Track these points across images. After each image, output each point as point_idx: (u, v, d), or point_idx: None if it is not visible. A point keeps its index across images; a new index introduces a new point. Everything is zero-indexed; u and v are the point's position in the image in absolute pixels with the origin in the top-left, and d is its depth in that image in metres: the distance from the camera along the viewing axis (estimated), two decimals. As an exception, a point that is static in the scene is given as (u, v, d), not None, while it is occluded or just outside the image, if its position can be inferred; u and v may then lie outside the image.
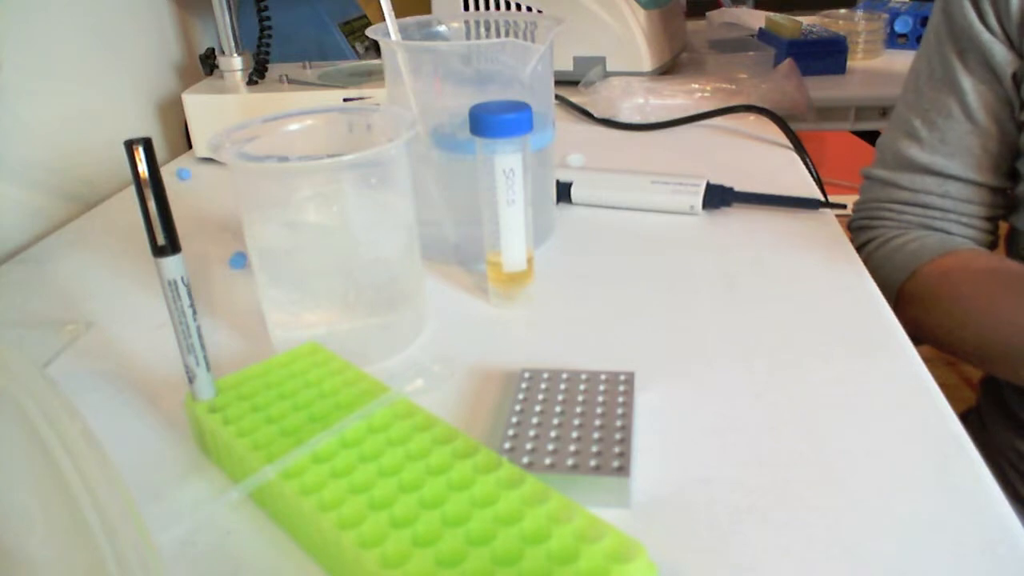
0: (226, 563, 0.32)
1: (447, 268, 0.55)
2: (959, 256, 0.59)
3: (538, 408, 0.37)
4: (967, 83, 0.60)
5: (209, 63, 0.88)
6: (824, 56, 1.15)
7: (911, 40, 1.31)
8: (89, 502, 0.25)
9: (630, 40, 0.99)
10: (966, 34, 0.59)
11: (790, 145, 0.77)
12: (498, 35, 0.59)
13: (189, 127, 0.82)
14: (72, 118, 0.75)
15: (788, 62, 0.93)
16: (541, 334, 0.47)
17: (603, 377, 0.39)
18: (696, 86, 0.91)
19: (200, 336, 0.36)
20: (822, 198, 0.62)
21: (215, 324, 0.50)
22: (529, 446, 0.35)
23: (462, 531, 0.29)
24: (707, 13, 1.50)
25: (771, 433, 0.37)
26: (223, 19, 0.83)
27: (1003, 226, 0.66)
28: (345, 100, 0.78)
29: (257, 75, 0.83)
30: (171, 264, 0.34)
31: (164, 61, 0.92)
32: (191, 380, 0.37)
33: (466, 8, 1.04)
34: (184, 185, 0.78)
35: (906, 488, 0.33)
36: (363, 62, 0.94)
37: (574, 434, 0.35)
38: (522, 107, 0.45)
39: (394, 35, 0.52)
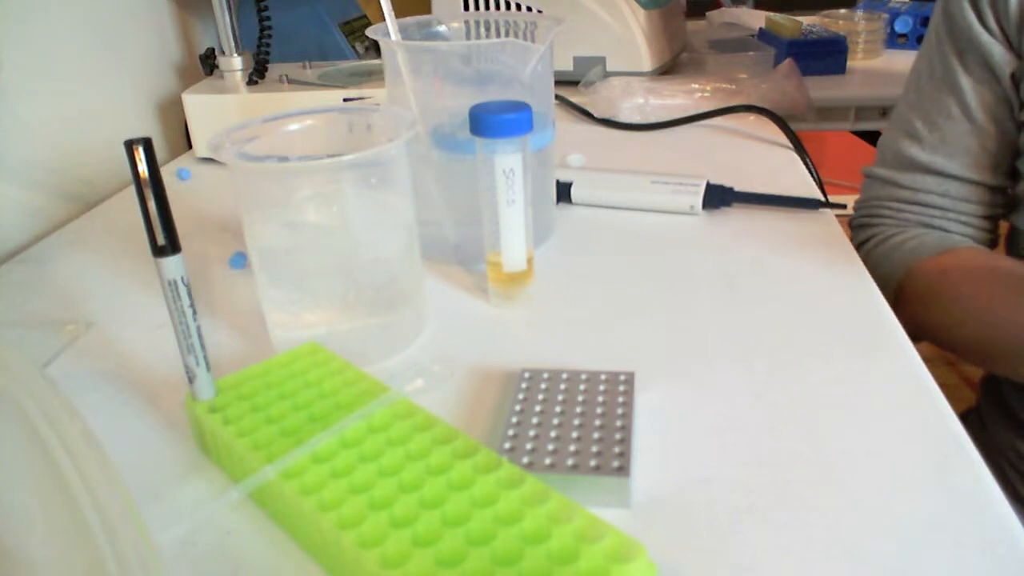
0: (226, 563, 0.32)
1: (447, 268, 0.55)
2: (958, 254, 0.60)
3: (538, 408, 0.37)
4: (966, 83, 0.61)
5: (209, 63, 0.88)
6: (824, 56, 1.15)
7: (911, 40, 1.31)
8: (89, 502, 0.25)
9: (630, 40, 0.99)
10: (965, 35, 0.59)
11: (790, 145, 0.77)
12: (498, 35, 0.59)
13: (189, 127, 0.82)
14: (72, 118, 0.75)
15: (788, 62, 0.93)
16: (541, 334, 0.47)
17: (603, 377, 0.39)
18: (696, 86, 0.91)
19: (200, 336, 0.36)
20: (822, 198, 0.62)
21: (215, 324, 0.50)
22: (529, 446, 0.35)
23: (462, 531, 0.29)
24: (707, 13, 1.50)
25: (771, 433, 0.37)
26: (223, 19, 0.83)
27: (1004, 225, 0.66)
28: (345, 100, 0.78)
29: (257, 75, 0.83)
30: (171, 264, 0.34)
31: (164, 61, 0.92)
32: (191, 380, 0.37)
33: (466, 8, 1.04)
34: (184, 185, 0.78)
35: (906, 488, 0.33)
36: (363, 62, 0.94)
37: (574, 434, 0.35)
38: (522, 107, 0.45)
39: (394, 35, 0.52)
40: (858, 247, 0.68)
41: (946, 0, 0.62)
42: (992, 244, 0.66)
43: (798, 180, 0.69)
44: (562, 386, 0.39)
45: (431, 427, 0.34)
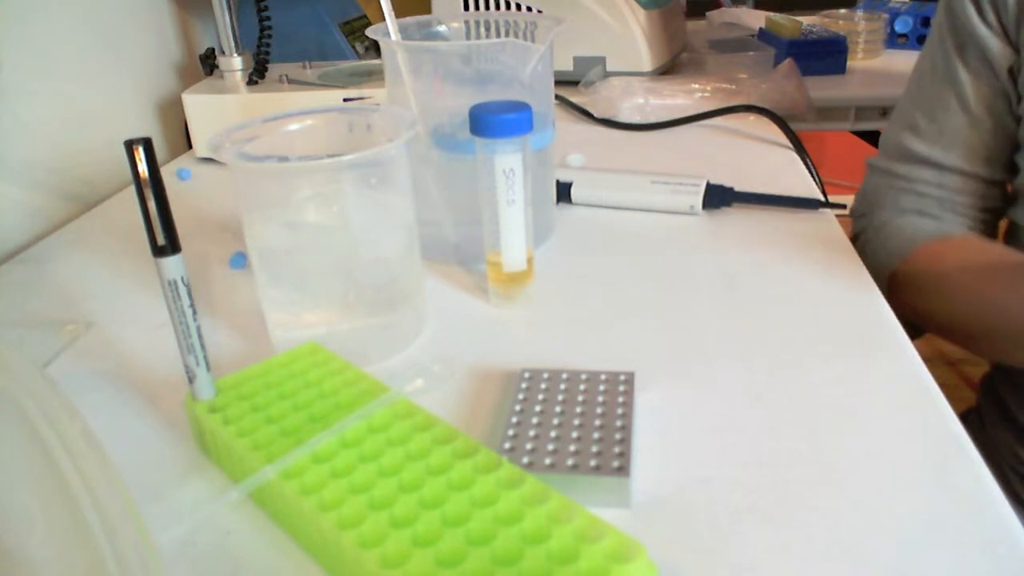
0: (226, 563, 0.32)
1: (447, 268, 0.55)
2: (951, 241, 0.61)
3: (538, 408, 0.37)
4: (964, 76, 0.62)
5: (209, 63, 0.88)
6: (824, 56, 1.15)
7: (911, 40, 1.31)
8: (89, 502, 0.25)
9: (630, 40, 0.99)
10: (965, 29, 0.60)
11: (790, 145, 0.77)
12: (498, 35, 0.59)
13: (189, 127, 0.82)
14: (72, 118, 0.75)
15: (788, 62, 0.93)
16: (541, 334, 0.47)
17: (603, 377, 0.39)
18: (696, 86, 0.91)
19: (200, 336, 0.36)
20: (822, 198, 0.62)
21: (215, 324, 0.50)
22: (529, 446, 0.35)
23: (462, 531, 0.29)
24: (707, 13, 1.50)
25: (771, 433, 0.37)
26: (223, 19, 0.83)
27: (1004, 224, 0.67)
28: (345, 100, 0.78)
29: (257, 75, 0.83)
30: (171, 264, 0.34)
31: (164, 61, 0.92)
32: (191, 380, 0.37)
33: (466, 8, 1.04)
34: (184, 185, 0.78)
35: (906, 488, 0.33)
36: (363, 62, 0.94)
37: (574, 434, 0.35)
38: (522, 107, 0.45)
39: (394, 35, 0.52)
40: (857, 234, 0.69)
41: None
42: (991, 236, 0.66)
43: (798, 180, 0.69)
44: (562, 386, 0.39)
45: (431, 427, 0.34)
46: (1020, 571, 0.29)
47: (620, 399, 0.37)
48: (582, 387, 0.39)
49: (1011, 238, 0.65)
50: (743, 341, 0.45)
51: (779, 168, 0.73)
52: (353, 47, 1.01)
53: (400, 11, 0.53)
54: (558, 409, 0.37)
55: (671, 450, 0.36)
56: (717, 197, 0.62)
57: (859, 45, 1.25)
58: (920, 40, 1.29)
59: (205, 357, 0.36)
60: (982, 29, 0.59)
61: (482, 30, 0.59)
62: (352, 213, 0.44)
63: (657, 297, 0.50)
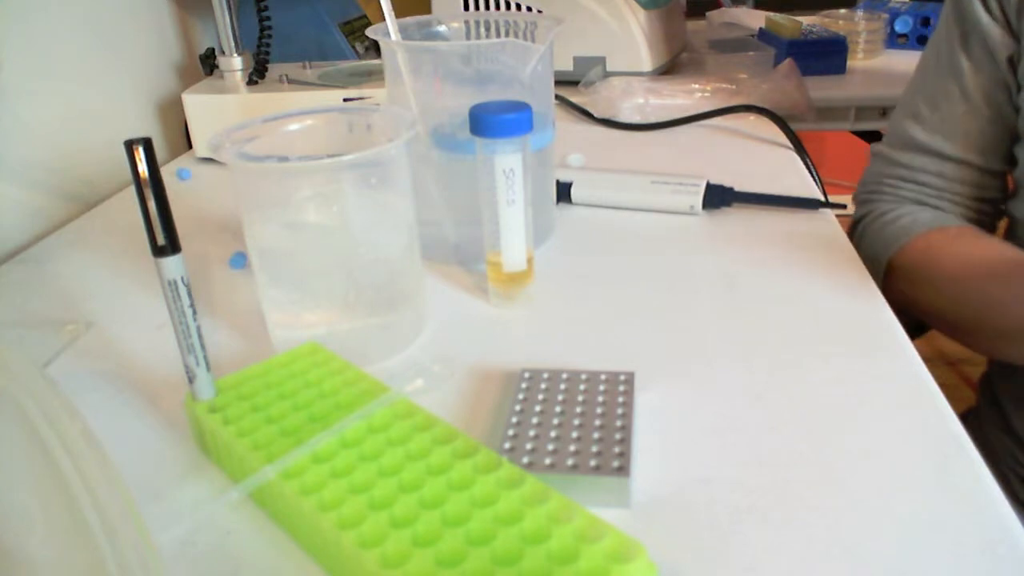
0: (226, 563, 0.32)
1: (447, 268, 0.55)
2: (947, 232, 0.61)
3: (538, 408, 0.37)
4: (966, 65, 0.62)
5: (209, 63, 0.88)
6: (824, 56, 1.15)
7: (911, 40, 1.31)
8: (89, 502, 0.25)
9: (630, 40, 0.99)
10: (969, 18, 0.61)
11: (790, 145, 0.77)
12: (498, 35, 0.59)
13: (189, 127, 0.82)
14: (72, 118, 0.75)
15: (788, 62, 0.93)
16: (541, 334, 0.47)
17: (603, 377, 0.39)
18: (696, 86, 0.91)
19: (200, 336, 0.36)
20: (822, 198, 0.62)
21: (215, 324, 0.50)
22: (529, 446, 0.35)
23: (462, 531, 0.29)
24: (707, 13, 1.50)
25: (771, 433, 0.37)
26: (223, 19, 0.83)
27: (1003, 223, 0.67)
28: (345, 100, 0.78)
29: (257, 75, 0.83)
30: (171, 264, 0.34)
31: (164, 61, 0.92)
32: (191, 380, 0.37)
33: (466, 8, 1.04)
34: (184, 185, 0.78)
35: (906, 488, 0.33)
36: (363, 62, 0.94)
37: (574, 434, 0.35)
38: (522, 107, 0.45)
39: (394, 35, 0.52)
40: (857, 221, 0.69)
41: None
42: (990, 228, 0.67)
43: (798, 180, 0.69)
44: (562, 386, 0.39)
45: (431, 427, 0.34)
46: (1020, 571, 0.29)
47: (620, 399, 0.37)
48: (582, 387, 0.39)
49: (1010, 233, 0.65)
50: (743, 341, 0.45)
51: (779, 168, 0.73)
52: (353, 47, 1.01)
53: (400, 11, 0.53)
54: (558, 409, 0.37)
55: (671, 450, 0.36)
56: (717, 197, 0.62)
57: (859, 45, 1.25)
58: (920, 40, 1.29)
59: (205, 357, 0.36)
60: (984, 18, 0.60)
61: (482, 30, 0.59)
62: (352, 213, 0.44)
63: (657, 297, 0.50)
